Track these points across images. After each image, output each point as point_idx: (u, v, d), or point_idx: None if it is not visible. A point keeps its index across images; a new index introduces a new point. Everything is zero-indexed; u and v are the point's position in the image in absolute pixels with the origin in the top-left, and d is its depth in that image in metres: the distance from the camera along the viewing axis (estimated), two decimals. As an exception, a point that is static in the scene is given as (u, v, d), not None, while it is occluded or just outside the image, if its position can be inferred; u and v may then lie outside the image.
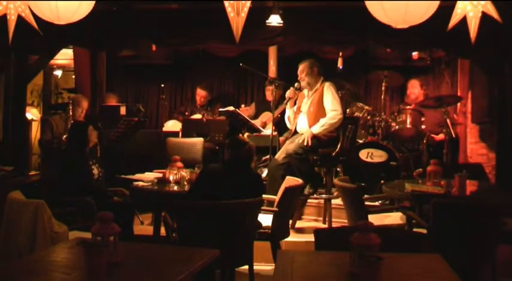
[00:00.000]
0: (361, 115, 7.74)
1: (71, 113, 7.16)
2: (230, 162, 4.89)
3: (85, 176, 5.82)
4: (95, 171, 5.98)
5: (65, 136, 6.99)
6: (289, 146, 6.84)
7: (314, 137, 6.73)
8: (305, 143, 6.71)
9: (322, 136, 6.78)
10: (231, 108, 7.86)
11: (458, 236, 4.50)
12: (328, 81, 6.98)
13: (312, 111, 6.89)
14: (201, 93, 9.13)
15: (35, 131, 9.17)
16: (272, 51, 9.03)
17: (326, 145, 6.77)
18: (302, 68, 6.97)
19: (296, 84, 7.05)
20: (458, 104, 8.17)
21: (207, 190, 4.72)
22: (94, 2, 4.57)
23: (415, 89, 8.21)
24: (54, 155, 7.05)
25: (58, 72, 10.34)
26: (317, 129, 6.76)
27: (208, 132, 7.89)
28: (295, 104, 7.16)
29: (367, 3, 4.21)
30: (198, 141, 7.75)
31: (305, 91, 7.07)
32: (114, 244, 2.93)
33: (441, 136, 7.49)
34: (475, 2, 4.55)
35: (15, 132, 7.27)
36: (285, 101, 7.16)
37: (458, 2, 4.64)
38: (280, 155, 6.85)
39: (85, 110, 7.37)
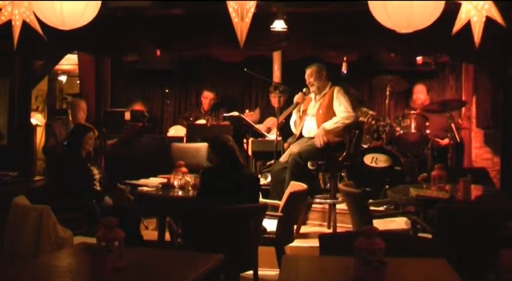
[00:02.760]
0: (365, 120, 7.74)
1: (70, 118, 7.17)
2: (220, 164, 4.89)
3: (84, 179, 5.81)
4: (95, 171, 5.97)
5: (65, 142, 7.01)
6: (294, 149, 6.82)
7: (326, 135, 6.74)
8: (320, 141, 6.69)
9: (331, 141, 6.75)
10: (236, 113, 7.87)
11: (463, 241, 4.49)
12: (337, 85, 7.05)
13: (321, 113, 6.92)
14: (209, 96, 9.13)
15: (40, 137, 9.18)
16: (276, 57, 9.04)
17: (334, 149, 6.74)
18: (310, 72, 7.01)
19: (305, 90, 7.07)
20: (463, 108, 8.17)
21: (211, 194, 4.71)
22: (99, 7, 4.59)
23: (421, 94, 8.21)
24: (56, 161, 7.06)
25: (63, 78, 10.36)
26: (330, 125, 6.78)
27: (212, 138, 7.88)
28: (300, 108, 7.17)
29: (371, 8, 4.21)
30: (203, 146, 7.74)
31: (311, 95, 7.08)
32: (118, 249, 2.93)
33: (446, 141, 7.48)
34: (479, 7, 4.56)
35: (20, 137, 7.28)
36: (293, 106, 7.17)
37: (462, 6, 4.64)
38: (284, 159, 6.84)
39: (85, 112, 7.39)
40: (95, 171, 5.96)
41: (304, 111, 7.10)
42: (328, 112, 6.89)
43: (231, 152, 4.86)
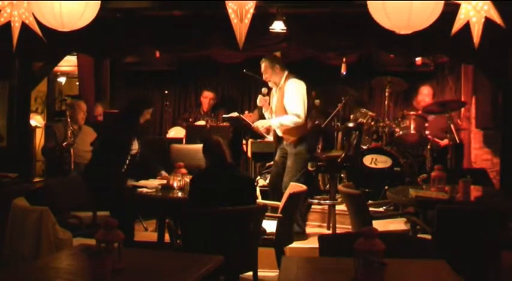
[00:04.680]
0: (365, 121, 7.73)
1: (69, 120, 7.16)
2: (209, 167, 4.89)
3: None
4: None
5: (65, 143, 6.99)
6: (273, 170, 6.76)
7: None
8: (261, 130, 6.74)
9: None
10: (235, 114, 7.84)
11: (462, 242, 4.49)
12: (293, 76, 6.63)
13: (277, 111, 6.65)
14: (209, 96, 9.12)
15: (39, 138, 9.17)
16: (276, 58, 9.02)
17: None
18: (264, 67, 6.63)
19: (263, 90, 6.88)
20: (462, 109, 8.17)
21: (203, 198, 4.70)
22: (98, 9, 4.59)
23: (426, 97, 8.19)
24: (59, 160, 7.07)
25: (62, 79, 10.35)
26: (276, 125, 6.57)
27: (212, 139, 7.86)
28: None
29: (370, 8, 4.21)
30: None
31: (273, 90, 6.78)
32: (118, 251, 2.93)
33: (445, 142, 7.48)
34: (478, 7, 4.56)
35: (19, 139, 7.27)
36: (263, 110, 6.97)
37: (461, 7, 4.65)
38: (278, 155, 6.79)
39: (85, 113, 7.39)
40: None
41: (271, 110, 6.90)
42: (282, 109, 6.56)
43: (219, 153, 4.83)
